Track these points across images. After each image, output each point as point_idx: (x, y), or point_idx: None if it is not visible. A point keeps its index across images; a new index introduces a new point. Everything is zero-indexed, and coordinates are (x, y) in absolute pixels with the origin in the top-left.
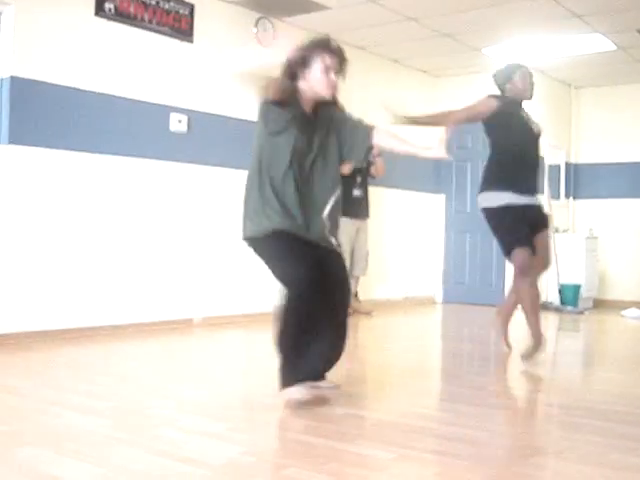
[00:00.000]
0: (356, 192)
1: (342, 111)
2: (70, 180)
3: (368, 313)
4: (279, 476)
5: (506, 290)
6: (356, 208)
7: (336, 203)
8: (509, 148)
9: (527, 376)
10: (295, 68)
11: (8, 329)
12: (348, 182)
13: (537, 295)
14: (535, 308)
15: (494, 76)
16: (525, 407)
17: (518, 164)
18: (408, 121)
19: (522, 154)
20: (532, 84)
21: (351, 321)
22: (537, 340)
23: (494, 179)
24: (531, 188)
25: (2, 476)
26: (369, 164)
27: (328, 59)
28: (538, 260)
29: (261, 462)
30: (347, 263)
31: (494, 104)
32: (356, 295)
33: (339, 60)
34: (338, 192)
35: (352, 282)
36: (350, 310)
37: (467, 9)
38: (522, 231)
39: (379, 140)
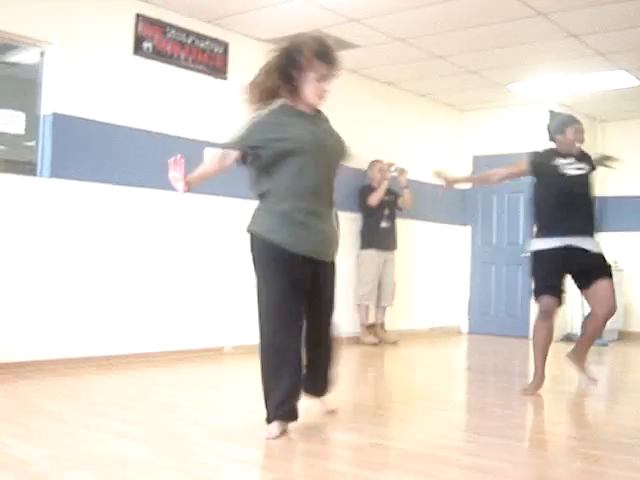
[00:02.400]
0: (384, 224)
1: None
2: (107, 212)
3: (394, 343)
4: None
5: (531, 321)
6: (384, 239)
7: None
8: (544, 196)
9: (550, 409)
10: (289, 70)
11: (45, 355)
12: (376, 214)
13: (549, 339)
14: (543, 350)
15: (548, 125)
16: (546, 439)
17: (554, 209)
18: (459, 181)
19: (557, 199)
20: (582, 140)
21: (377, 351)
22: (539, 379)
23: (535, 227)
24: (574, 229)
25: None
26: (397, 196)
27: (325, 69)
28: (598, 307)
29: None
30: (373, 294)
31: (525, 161)
32: (382, 325)
33: (334, 69)
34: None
35: (379, 312)
36: (377, 340)
37: (492, 47)
38: (550, 278)
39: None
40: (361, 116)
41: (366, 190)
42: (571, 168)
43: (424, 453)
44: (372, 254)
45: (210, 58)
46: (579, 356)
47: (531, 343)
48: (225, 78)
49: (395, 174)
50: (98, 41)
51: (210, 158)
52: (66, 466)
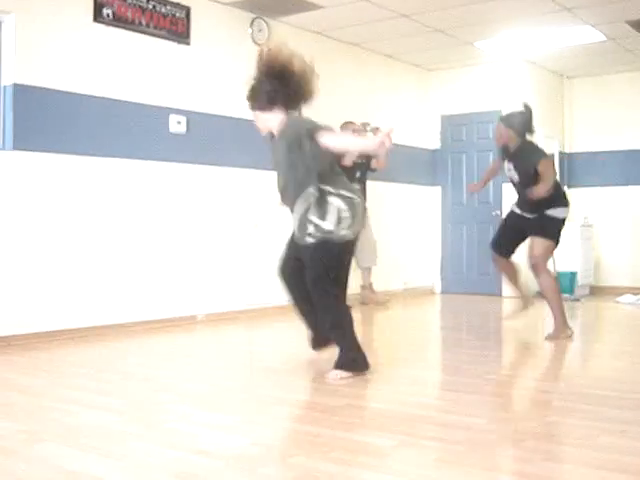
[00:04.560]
0: (355, 186)
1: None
2: (72, 183)
3: (384, 303)
4: (287, 465)
5: (503, 280)
6: None
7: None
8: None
9: (523, 364)
10: None
11: (15, 330)
12: (347, 176)
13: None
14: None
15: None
16: (521, 394)
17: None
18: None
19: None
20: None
21: (365, 312)
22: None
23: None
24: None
25: (23, 472)
26: (369, 158)
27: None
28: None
29: (270, 452)
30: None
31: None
32: (371, 286)
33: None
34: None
35: (365, 274)
36: (365, 300)
37: (457, 5)
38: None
39: (327, 141)
40: (327, 78)
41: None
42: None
43: (399, 412)
44: None
45: (172, 23)
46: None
47: (503, 300)
48: (188, 43)
49: (371, 134)
50: (57, 9)
51: None
52: (37, 439)
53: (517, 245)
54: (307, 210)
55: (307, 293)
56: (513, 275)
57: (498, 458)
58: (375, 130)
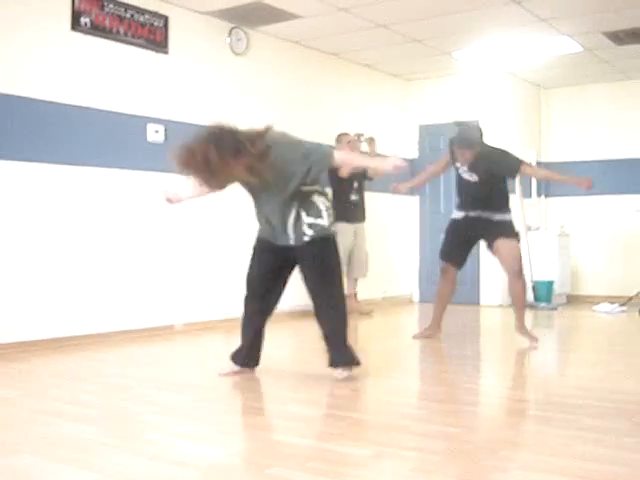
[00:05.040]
0: (353, 197)
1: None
2: (51, 192)
3: (368, 313)
4: (264, 476)
5: (481, 289)
6: (354, 212)
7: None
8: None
9: (501, 373)
10: None
11: None
12: (345, 187)
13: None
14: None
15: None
16: (498, 403)
17: None
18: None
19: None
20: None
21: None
22: (434, 327)
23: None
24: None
25: None
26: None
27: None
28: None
29: (246, 463)
30: (344, 266)
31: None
32: (355, 296)
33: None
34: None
35: (351, 283)
36: (349, 310)
37: (435, 15)
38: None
39: (341, 159)
40: (305, 88)
41: None
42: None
43: (377, 422)
44: (343, 227)
45: (150, 32)
46: (518, 322)
47: (481, 309)
48: (166, 52)
49: (365, 144)
50: (34, 17)
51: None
52: (14, 450)
53: (468, 254)
54: (297, 213)
55: (267, 307)
56: (448, 295)
57: (475, 467)
58: (369, 140)
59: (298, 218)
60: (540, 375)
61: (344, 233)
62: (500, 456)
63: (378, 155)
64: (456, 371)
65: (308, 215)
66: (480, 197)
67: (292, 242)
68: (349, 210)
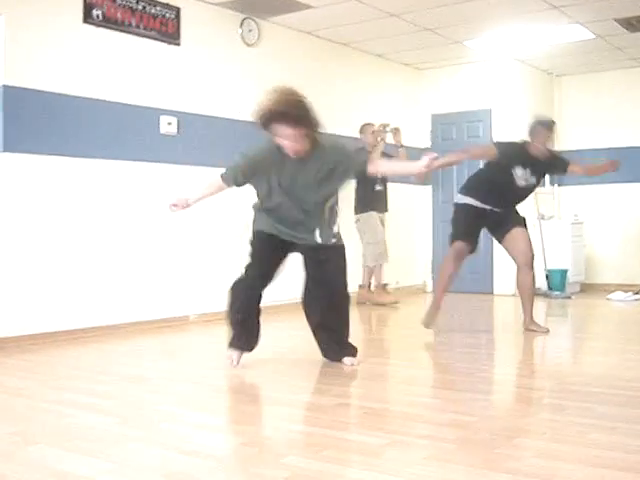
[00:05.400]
0: (378, 187)
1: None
2: (64, 185)
3: (392, 303)
4: (279, 465)
5: (495, 278)
6: (379, 202)
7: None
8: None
9: (514, 362)
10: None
11: (8, 332)
12: (371, 178)
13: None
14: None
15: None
16: (512, 391)
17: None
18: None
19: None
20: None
21: (363, 310)
22: (434, 309)
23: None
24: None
25: (17, 474)
26: (390, 157)
27: (286, 130)
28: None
29: (262, 452)
30: (386, 253)
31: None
32: (385, 286)
33: (297, 129)
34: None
35: (377, 273)
36: (394, 299)
37: (446, 4)
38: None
39: (376, 169)
40: (317, 78)
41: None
42: (522, 179)
43: (391, 411)
44: (373, 215)
45: (162, 24)
46: (528, 317)
47: (494, 298)
48: (178, 44)
49: (390, 134)
50: (46, 10)
51: (210, 182)
52: (32, 441)
53: (478, 239)
54: (329, 216)
55: (257, 302)
56: (452, 279)
57: (489, 456)
58: (395, 130)
59: (326, 221)
60: (554, 363)
61: (376, 221)
62: (514, 444)
63: (402, 146)
64: (470, 360)
65: (331, 219)
66: (522, 199)
67: (319, 241)
68: (375, 200)
